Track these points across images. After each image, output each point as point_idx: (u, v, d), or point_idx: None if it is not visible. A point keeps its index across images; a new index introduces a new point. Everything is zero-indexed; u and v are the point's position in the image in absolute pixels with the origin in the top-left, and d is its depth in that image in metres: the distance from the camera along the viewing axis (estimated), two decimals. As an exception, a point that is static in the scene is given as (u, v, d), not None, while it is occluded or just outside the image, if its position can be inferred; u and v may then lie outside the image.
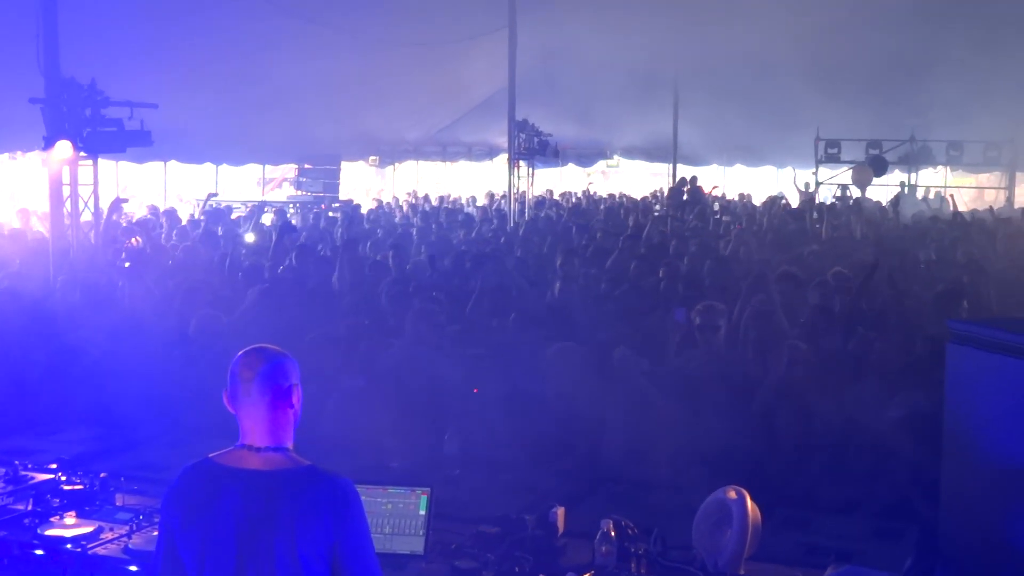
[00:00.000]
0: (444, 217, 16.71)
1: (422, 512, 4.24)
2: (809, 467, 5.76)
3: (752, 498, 5.13)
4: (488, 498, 5.17)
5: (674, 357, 6.79)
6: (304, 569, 3.17)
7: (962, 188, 25.38)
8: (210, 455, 3.31)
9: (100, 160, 10.61)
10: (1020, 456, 3.41)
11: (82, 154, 10.04)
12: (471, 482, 5.46)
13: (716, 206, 18.52)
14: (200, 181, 20.77)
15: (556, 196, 23.51)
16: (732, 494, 4.11)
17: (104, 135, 9.87)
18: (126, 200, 13.01)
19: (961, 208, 19.73)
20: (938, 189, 24.63)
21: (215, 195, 18.01)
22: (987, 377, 3.55)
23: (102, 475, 4.79)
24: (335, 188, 21.01)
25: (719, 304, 7.16)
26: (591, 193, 24.52)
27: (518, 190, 18.20)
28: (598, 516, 4.80)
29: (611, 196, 22.78)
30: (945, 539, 3.77)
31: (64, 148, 9.63)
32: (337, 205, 19.41)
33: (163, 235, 14.18)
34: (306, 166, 21.20)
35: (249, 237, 10.04)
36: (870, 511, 5.31)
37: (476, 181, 26.45)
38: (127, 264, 8.44)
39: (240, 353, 3.30)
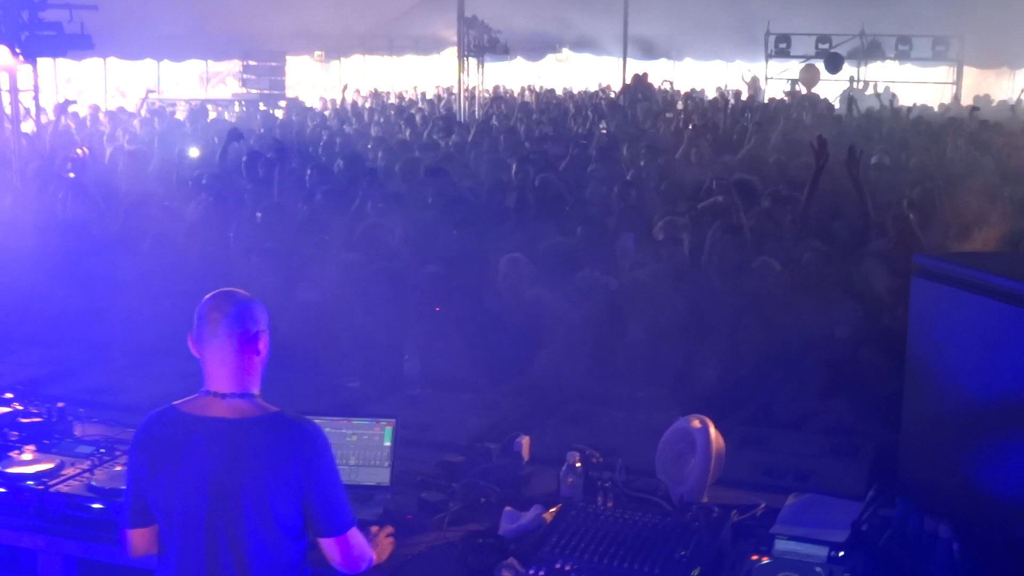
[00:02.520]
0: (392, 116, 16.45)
1: (387, 443, 4.23)
2: (768, 383, 5.82)
3: (712, 416, 5.27)
4: (450, 419, 5.19)
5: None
6: (275, 517, 3.16)
7: (910, 83, 25.44)
8: (174, 402, 3.27)
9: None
10: (980, 394, 3.46)
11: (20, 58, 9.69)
12: (433, 402, 5.47)
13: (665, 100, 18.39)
14: (141, 78, 20.26)
15: (505, 92, 23.24)
16: (696, 423, 4.14)
17: (43, 39, 9.53)
18: (73, 102, 12.63)
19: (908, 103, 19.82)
20: (887, 84, 24.66)
21: (153, 92, 17.59)
22: (951, 313, 3.57)
23: (59, 405, 4.72)
24: (280, 85, 20.59)
25: (680, 218, 7.16)
26: (540, 89, 24.23)
27: (467, 88, 17.95)
28: (561, 439, 4.84)
29: (563, 92, 22.48)
30: (905, 470, 3.83)
31: (1, 53, 9.29)
32: (283, 103, 19.03)
33: (106, 137, 13.88)
34: (250, 62, 20.72)
35: (193, 152, 9.79)
36: (826, 427, 5.42)
37: (424, 75, 26.03)
38: (72, 175, 8.22)
39: (207, 297, 3.23)
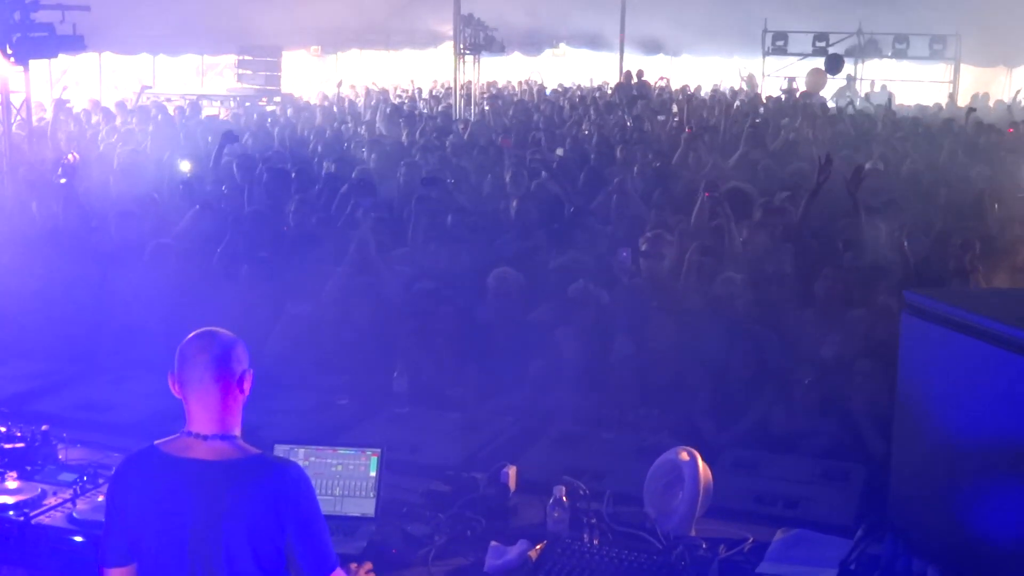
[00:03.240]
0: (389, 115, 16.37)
1: (372, 474, 4.20)
2: (758, 404, 5.79)
3: (702, 437, 5.24)
4: (438, 441, 5.16)
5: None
6: (255, 560, 3.13)
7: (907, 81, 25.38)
8: (156, 442, 3.23)
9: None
10: (969, 435, 3.43)
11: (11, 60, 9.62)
12: (421, 421, 5.43)
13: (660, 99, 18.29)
14: (137, 72, 20.17)
15: (503, 85, 23.14)
16: (684, 455, 4.11)
17: (34, 41, 9.46)
18: (67, 101, 12.56)
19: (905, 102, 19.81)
20: (884, 82, 24.61)
21: (148, 87, 17.51)
22: (940, 352, 3.54)
23: (43, 428, 4.67)
24: (276, 80, 20.50)
25: (667, 233, 7.11)
26: (537, 84, 24.12)
27: (463, 87, 17.90)
28: (550, 463, 4.84)
29: (556, 90, 22.34)
30: (894, 509, 3.80)
31: (-7, 57, 9.24)
32: (278, 99, 18.96)
33: (101, 135, 13.81)
34: (246, 57, 20.63)
35: (184, 166, 9.74)
36: (819, 450, 5.40)
37: (421, 69, 25.91)
38: (63, 180, 8.15)
39: (189, 337, 3.19)
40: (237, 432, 3.22)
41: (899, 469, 3.82)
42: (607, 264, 6.98)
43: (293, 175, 9.78)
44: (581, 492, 4.17)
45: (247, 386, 3.21)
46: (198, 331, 3.22)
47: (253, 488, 3.11)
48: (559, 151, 11.61)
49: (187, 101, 17.22)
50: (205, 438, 3.15)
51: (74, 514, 3.99)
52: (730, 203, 7.93)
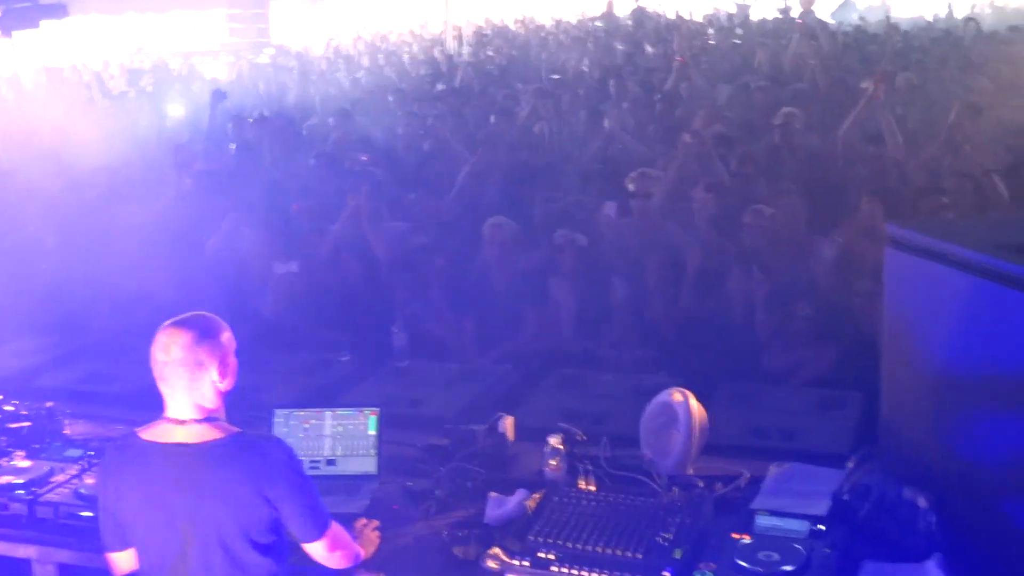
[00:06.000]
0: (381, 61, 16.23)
1: (372, 432, 4.26)
2: (753, 335, 5.83)
3: (697, 371, 5.27)
4: (438, 392, 5.23)
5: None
6: (248, 539, 3.19)
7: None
8: (135, 429, 3.27)
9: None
10: (955, 365, 3.46)
11: (-4, 32, 9.56)
12: (419, 374, 5.49)
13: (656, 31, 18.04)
14: (124, 32, 19.98)
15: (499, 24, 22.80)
16: (677, 396, 4.15)
17: (17, 12, 9.38)
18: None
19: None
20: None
21: (138, 49, 17.38)
22: (923, 284, 3.56)
23: (48, 404, 4.74)
24: (265, 32, 20.28)
25: (653, 171, 7.10)
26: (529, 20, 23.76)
27: (456, 29, 17.68)
28: (548, 409, 4.90)
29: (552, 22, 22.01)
30: (885, 439, 3.86)
31: (-21, 31, 9.16)
32: (271, 51, 18.75)
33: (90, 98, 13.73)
34: (234, 10, 20.39)
35: (175, 110, 9.64)
36: (813, 379, 5.44)
37: (410, 9, 25.50)
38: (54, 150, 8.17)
39: (166, 323, 3.21)
40: (219, 414, 3.25)
41: (888, 400, 3.86)
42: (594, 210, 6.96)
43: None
44: (578, 438, 4.23)
45: (224, 370, 3.22)
46: (167, 325, 3.21)
47: (235, 468, 3.16)
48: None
49: (185, 60, 16.99)
50: (183, 422, 3.19)
51: (81, 489, 4.07)
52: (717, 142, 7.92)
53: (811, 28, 16.41)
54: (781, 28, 18.01)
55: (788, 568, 3.37)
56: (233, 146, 9.34)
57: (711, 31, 17.72)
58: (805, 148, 8.29)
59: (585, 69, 13.91)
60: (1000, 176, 6.79)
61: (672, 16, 19.69)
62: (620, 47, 15.93)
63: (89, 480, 4.12)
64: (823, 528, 3.58)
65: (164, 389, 3.20)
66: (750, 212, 6.34)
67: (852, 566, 3.42)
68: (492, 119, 10.01)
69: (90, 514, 3.90)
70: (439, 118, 9.93)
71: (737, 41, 16.12)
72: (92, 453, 4.33)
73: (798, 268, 6.20)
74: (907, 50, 14.34)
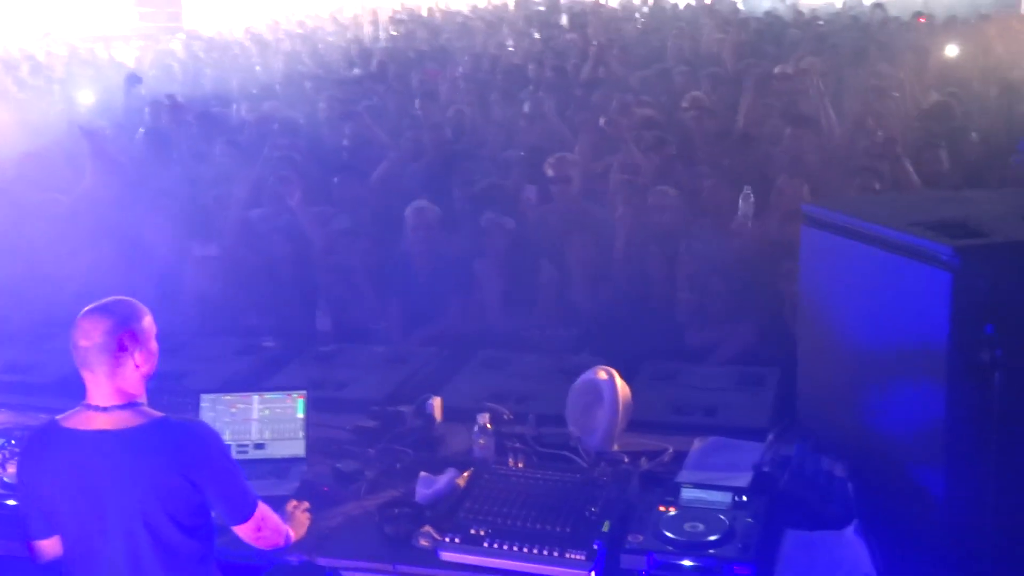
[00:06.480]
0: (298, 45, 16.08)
1: (300, 415, 4.27)
2: (674, 313, 5.93)
3: (620, 351, 5.36)
4: (364, 376, 5.24)
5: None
6: (175, 523, 3.20)
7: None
8: (56, 417, 3.26)
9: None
10: (867, 339, 3.59)
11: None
12: (344, 357, 5.50)
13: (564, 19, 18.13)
14: (31, 16, 19.47)
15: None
16: (602, 374, 4.23)
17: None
18: None
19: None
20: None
21: (46, 34, 17.00)
22: (836, 260, 3.68)
23: (-33, 394, 4.68)
24: (177, 17, 19.97)
25: (571, 155, 7.17)
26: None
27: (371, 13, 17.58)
28: (475, 389, 4.95)
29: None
30: (803, 410, 3.99)
31: None
32: (182, 36, 18.47)
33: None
34: (145, -9, 20.06)
35: (86, 96, 9.47)
36: (734, 356, 5.57)
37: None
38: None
39: (85, 309, 3.20)
40: (140, 399, 3.25)
41: (805, 374, 3.99)
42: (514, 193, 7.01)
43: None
44: (505, 417, 4.29)
45: (142, 356, 3.22)
46: (87, 310, 3.21)
47: (158, 453, 3.16)
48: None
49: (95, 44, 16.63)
50: (104, 409, 3.19)
51: (4, 478, 4.01)
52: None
53: (723, 15, 16.68)
54: (695, 15, 18.26)
55: (713, 538, 3.46)
56: (141, 131, 9.21)
57: (631, 16, 17.85)
58: (717, 130, 8.43)
59: (502, 54, 13.94)
60: (909, 158, 7.00)
61: (587, 1, 19.83)
62: (536, 35, 16.00)
63: (12, 469, 4.06)
64: (745, 499, 3.68)
65: (86, 375, 3.19)
66: (653, 193, 6.44)
67: (774, 534, 3.52)
68: (417, 103, 10.00)
69: (13, 503, 3.85)
70: (358, 102, 9.90)
71: (651, 28, 16.28)
72: (14, 442, 4.27)
73: (718, 248, 6.32)
74: (819, 36, 14.61)
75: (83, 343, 3.16)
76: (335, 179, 7.33)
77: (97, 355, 3.15)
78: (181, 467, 3.16)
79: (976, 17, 15.81)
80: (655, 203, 6.33)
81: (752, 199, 6.16)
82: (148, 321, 3.27)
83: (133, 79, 10.23)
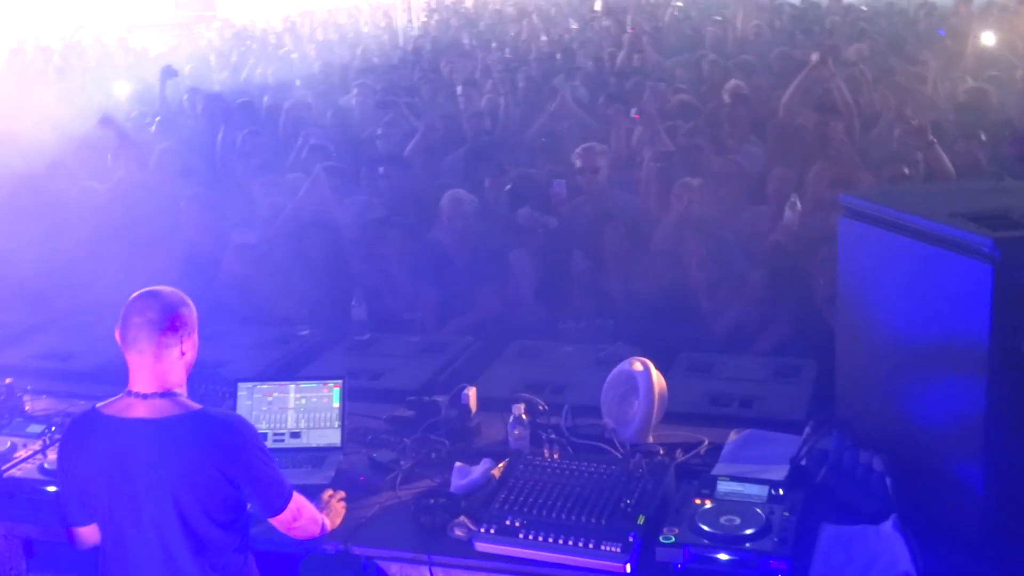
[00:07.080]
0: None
1: (336, 404, 4.28)
2: (711, 305, 5.90)
3: (657, 343, 5.34)
4: (400, 365, 5.25)
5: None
6: (208, 515, 3.22)
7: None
8: (97, 404, 3.29)
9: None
10: (906, 331, 3.55)
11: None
12: (380, 347, 5.52)
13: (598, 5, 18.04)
14: (63, 7, 19.58)
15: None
16: (638, 365, 4.21)
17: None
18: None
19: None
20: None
21: (81, 26, 17.12)
22: (876, 252, 3.64)
23: (7, 381, 4.71)
24: (212, 5, 20.05)
25: (598, 145, 7.14)
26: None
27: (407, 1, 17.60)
28: (509, 380, 4.94)
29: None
30: (841, 403, 3.95)
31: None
32: (218, 24, 18.57)
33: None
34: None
35: (122, 87, 9.53)
36: (770, 347, 5.53)
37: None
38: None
39: (133, 296, 3.24)
40: (180, 389, 3.28)
41: (843, 366, 3.95)
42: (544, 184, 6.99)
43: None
44: (540, 408, 4.28)
45: (187, 348, 3.26)
46: (141, 291, 3.25)
47: (194, 445, 3.18)
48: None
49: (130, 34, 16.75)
50: (145, 396, 3.21)
51: (45, 464, 4.06)
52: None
53: (760, 3, 16.54)
54: (731, 3, 18.11)
55: (749, 531, 3.44)
56: (157, 119, 9.24)
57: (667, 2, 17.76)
58: (752, 118, 8.38)
59: (536, 43, 13.91)
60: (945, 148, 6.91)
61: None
62: (574, 24, 15.95)
63: (53, 456, 4.10)
64: (782, 492, 3.65)
65: (131, 357, 3.22)
66: (676, 186, 6.42)
67: (811, 528, 3.49)
68: (459, 91, 10.00)
69: (54, 489, 3.89)
70: (393, 91, 9.92)
71: (688, 15, 16.19)
72: (54, 429, 4.32)
73: (752, 237, 6.28)
74: (857, 24, 14.46)
75: (136, 319, 3.19)
76: (379, 169, 7.32)
77: (149, 332, 3.18)
78: (216, 461, 3.19)
79: (1016, 2, 15.58)
80: (677, 194, 6.30)
81: (799, 207, 6.10)
82: (195, 313, 3.32)
83: (169, 71, 10.23)
